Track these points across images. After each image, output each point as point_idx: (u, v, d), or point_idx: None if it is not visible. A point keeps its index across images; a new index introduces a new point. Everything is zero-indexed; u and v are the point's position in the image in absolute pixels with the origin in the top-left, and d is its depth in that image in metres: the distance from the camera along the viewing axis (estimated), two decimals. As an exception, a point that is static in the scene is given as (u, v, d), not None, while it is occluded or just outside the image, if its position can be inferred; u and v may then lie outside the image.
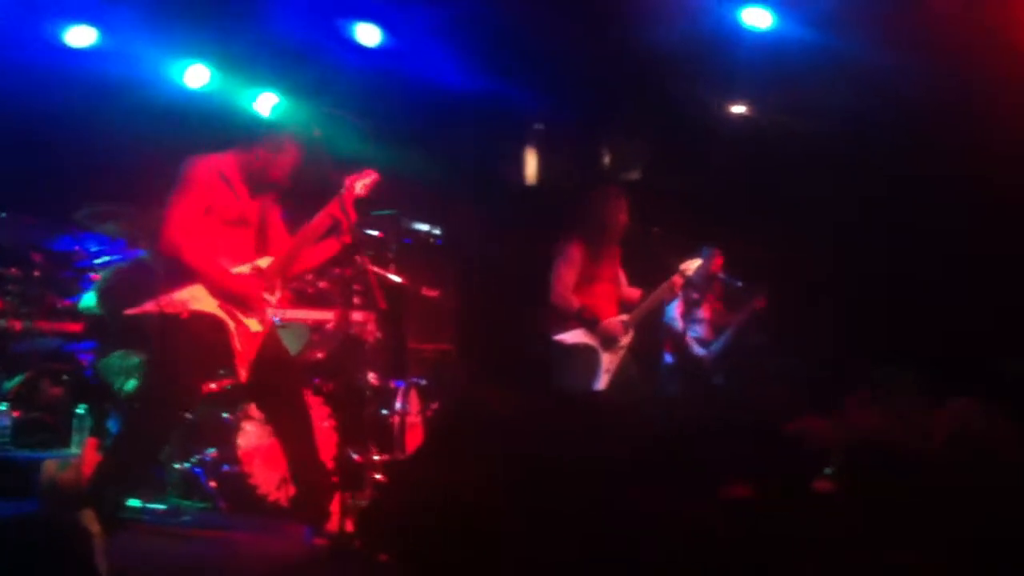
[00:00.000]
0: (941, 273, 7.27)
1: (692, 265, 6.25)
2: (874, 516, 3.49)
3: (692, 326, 7.53)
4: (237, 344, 4.69)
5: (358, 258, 5.17)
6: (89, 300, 6.00)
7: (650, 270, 6.45)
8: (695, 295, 7.46)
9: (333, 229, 4.85)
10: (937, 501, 3.37)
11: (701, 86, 7.60)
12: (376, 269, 5.61)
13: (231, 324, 4.67)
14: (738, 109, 8.30)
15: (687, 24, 6.94)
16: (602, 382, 6.06)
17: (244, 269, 4.76)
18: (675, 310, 7.44)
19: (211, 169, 4.72)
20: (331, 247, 4.96)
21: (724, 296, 7.60)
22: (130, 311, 4.77)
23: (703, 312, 7.56)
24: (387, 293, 5.58)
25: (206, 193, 4.67)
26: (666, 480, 3.84)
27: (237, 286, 4.68)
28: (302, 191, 5.02)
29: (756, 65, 7.25)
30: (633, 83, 7.68)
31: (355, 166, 4.97)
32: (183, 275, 4.63)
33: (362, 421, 5.83)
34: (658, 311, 6.77)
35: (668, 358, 7.50)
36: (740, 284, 7.38)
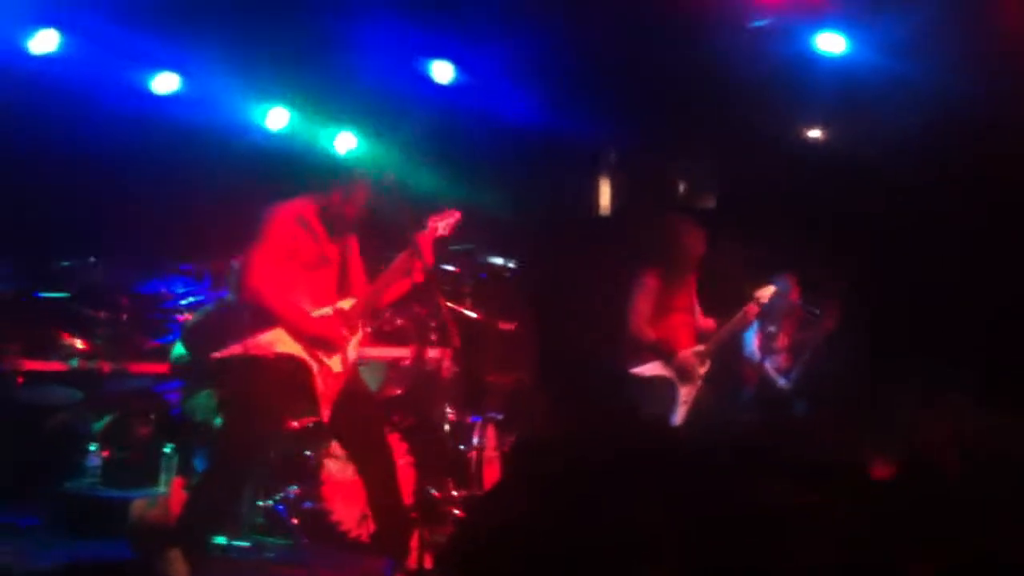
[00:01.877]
0: (1012, 301, 7.10)
1: (766, 293, 6.21)
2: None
3: (771, 356, 7.45)
4: (320, 384, 4.78)
5: (434, 295, 5.24)
6: (179, 350, 6.16)
7: (726, 299, 6.41)
8: (771, 326, 7.37)
9: (410, 271, 4.93)
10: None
11: (775, 112, 7.53)
12: (451, 305, 5.66)
13: (314, 365, 4.76)
14: (812, 135, 8.23)
15: (760, 50, 6.90)
16: (679, 415, 6.03)
17: (327, 311, 4.85)
18: (754, 342, 7.36)
19: (290, 215, 4.83)
20: (405, 286, 5.03)
21: (802, 325, 7.50)
22: (217, 354, 4.90)
23: (780, 342, 7.47)
24: (463, 328, 5.62)
25: (286, 240, 4.78)
26: (742, 517, 3.80)
27: (319, 329, 4.77)
28: (380, 231, 5.11)
29: (830, 91, 7.18)
30: (706, 110, 7.65)
31: (430, 203, 5.04)
32: (267, 318, 4.74)
33: (440, 456, 5.87)
34: (734, 341, 6.72)
35: (747, 390, 7.41)
36: (818, 312, 7.29)
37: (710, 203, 8.80)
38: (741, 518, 3.84)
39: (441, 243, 5.05)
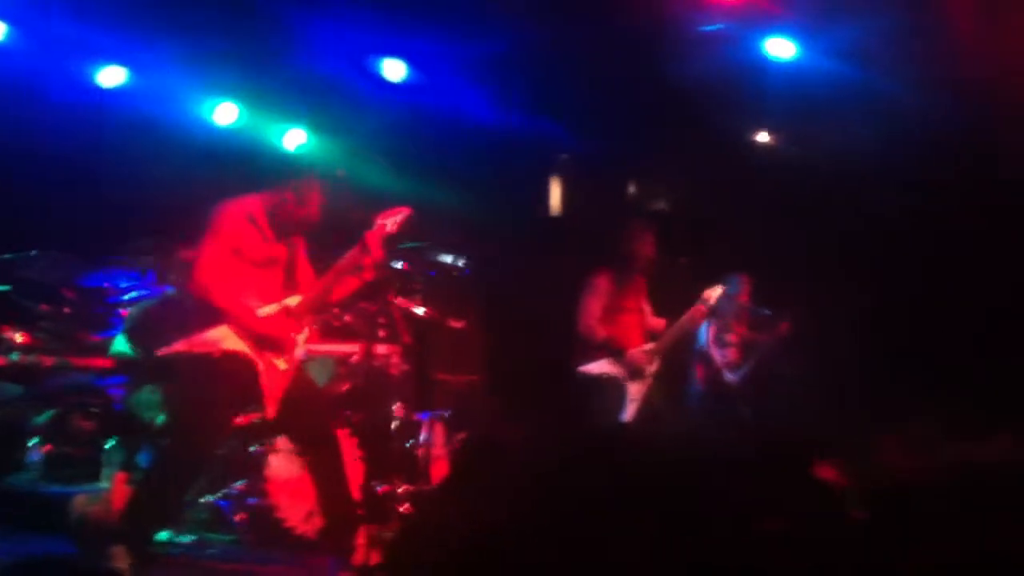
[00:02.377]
0: (962, 305, 7.22)
1: (714, 293, 6.27)
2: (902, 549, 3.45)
3: (721, 351, 7.51)
4: (266, 382, 4.76)
5: (383, 292, 5.22)
6: (120, 344, 6.08)
7: (677, 300, 6.46)
8: (723, 323, 7.44)
9: (357, 269, 4.90)
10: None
11: (726, 117, 7.60)
12: (401, 302, 5.64)
13: (260, 363, 4.74)
14: (763, 139, 8.31)
15: (712, 55, 6.96)
16: (629, 412, 6.06)
17: (272, 309, 4.82)
18: (707, 335, 7.43)
19: (239, 213, 4.80)
20: (353, 283, 5.01)
21: (751, 324, 7.57)
22: (161, 351, 4.85)
23: (731, 337, 7.53)
24: (412, 325, 5.62)
25: (234, 237, 4.75)
26: (692, 511, 3.82)
27: (265, 327, 4.75)
28: (329, 228, 5.08)
29: (780, 96, 7.25)
30: (659, 114, 7.70)
31: (381, 200, 5.02)
32: (213, 315, 4.70)
33: (388, 453, 5.85)
34: (685, 339, 6.77)
35: (696, 386, 7.47)
36: (767, 312, 7.36)
37: (662, 205, 8.86)
38: (690, 513, 3.86)
39: (391, 240, 5.02)
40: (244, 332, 4.71)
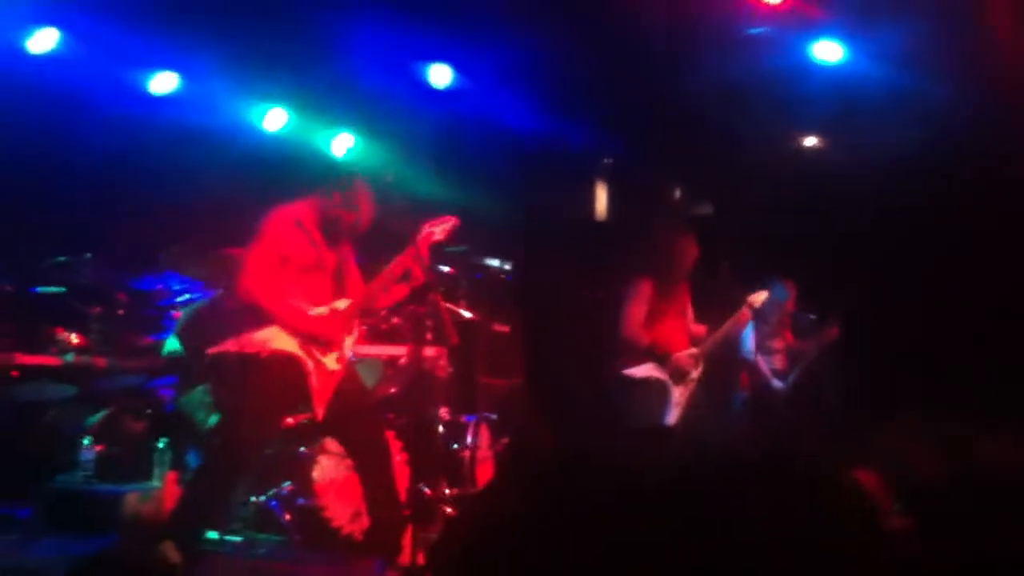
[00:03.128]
0: (1009, 311, 7.13)
1: (759, 297, 6.25)
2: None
3: (767, 357, 7.48)
4: (315, 382, 4.81)
5: (430, 295, 5.27)
6: (172, 344, 6.18)
7: (720, 304, 6.44)
8: (768, 329, 7.41)
9: (405, 276, 4.96)
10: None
11: (771, 119, 7.58)
12: (447, 305, 5.68)
13: (309, 363, 4.79)
14: (808, 143, 8.27)
15: (757, 58, 6.94)
16: (672, 416, 6.05)
17: (322, 311, 4.88)
18: (751, 342, 7.39)
19: (288, 219, 4.86)
20: (402, 290, 5.07)
21: (796, 329, 7.53)
22: (211, 350, 4.91)
23: (777, 343, 7.50)
24: (458, 329, 5.65)
25: (282, 242, 4.81)
26: (733, 516, 3.82)
27: (314, 327, 4.80)
28: (377, 234, 5.14)
29: (826, 99, 7.22)
30: (703, 117, 7.69)
31: (428, 205, 5.07)
32: (262, 316, 4.76)
33: (433, 455, 5.89)
34: (729, 344, 6.75)
35: (741, 393, 7.44)
36: (812, 317, 7.32)
37: (706, 210, 8.83)
38: (736, 521, 3.86)
39: (437, 247, 5.08)
40: (294, 332, 4.76)
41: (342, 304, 4.93)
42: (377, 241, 5.19)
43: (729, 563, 3.53)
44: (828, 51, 6.93)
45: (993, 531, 3.33)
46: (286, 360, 4.75)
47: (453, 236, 5.13)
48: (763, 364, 7.37)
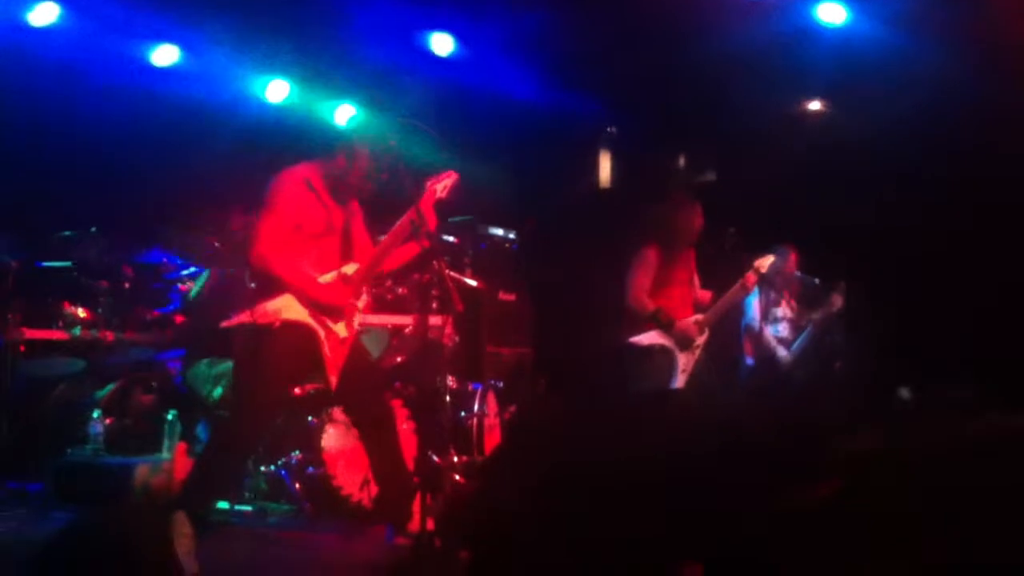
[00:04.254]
0: (1005, 283, 7.11)
1: (765, 262, 6.24)
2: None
3: (772, 325, 7.47)
4: (327, 351, 4.80)
5: (435, 263, 5.26)
6: (181, 312, 6.21)
7: (726, 271, 6.44)
8: (772, 294, 7.40)
9: (414, 233, 4.94)
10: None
11: (775, 84, 7.54)
12: (452, 273, 5.69)
13: (321, 332, 4.78)
14: (813, 107, 8.23)
15: (759, 21, 6.91)
16: (679, 382, 6.07)
17: (330, 277, 4.87)
18: (755, 310, 7.39)
19: (297, 181, 4.84)
20: (411, 250, 5.05)
21: (801, 295, 7.52)
22: (224, 323, 4.92)
23: (782, 311, 7.49)
24: (463, 297, 5.66)
25: (293, 206, 4.78)
26: (741, 478, 3.84)
27: (326, 295, 4.79)
28: (382, 199, 5.13)
29: (830, 63, 7.18)
30: (706, 83, 7.66)
31: (432, 173, 5.06)
32: (273, 286, 4.76)
33: (441, 423, 5.91)
34: (734, 311, 6.76)
35: (748, 360, 7.44)
36: (817, 282, 7.31)
37: (711, 177, 8.82)
38: (742, 490, 3.88)
39: (441, 207, 5.06)
40: (305, 300, 4.76)
41: (350, 269, 4.92)
42: (383, 208, 5.18)
43: (733, 528, 3.56)
44: (832, 13, 6.90)
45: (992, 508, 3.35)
46: (300, 329, 4.75)
47: (457, 201, 5.12)
48: (768, 332, 7.37)
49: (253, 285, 4.88)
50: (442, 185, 4.98)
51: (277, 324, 4.72)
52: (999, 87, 6.78)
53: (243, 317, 4.78)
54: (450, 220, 6.40)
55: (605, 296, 6.56)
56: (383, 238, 4.95)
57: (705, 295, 6.43)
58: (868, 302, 7.39)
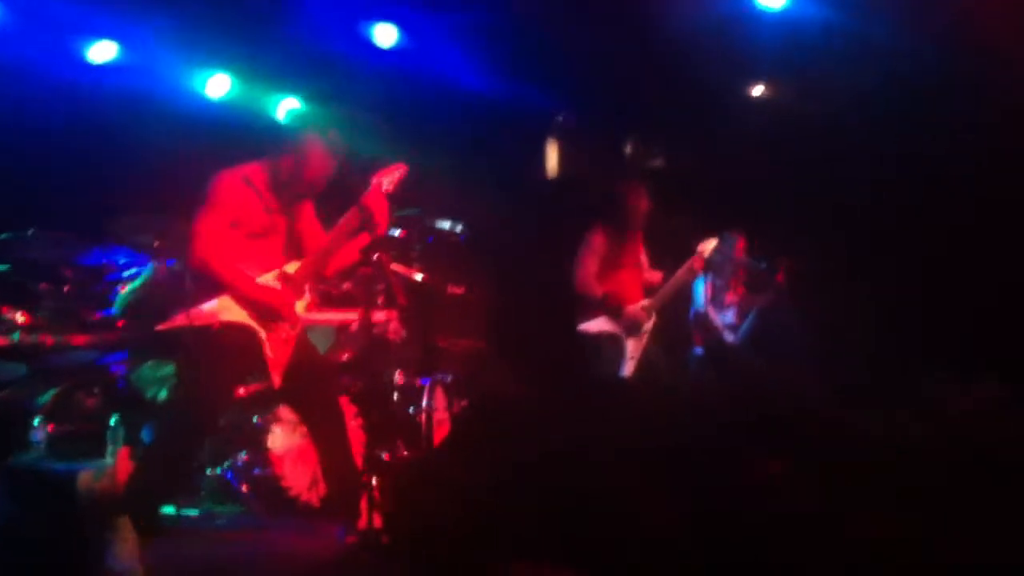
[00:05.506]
0: (951, 257, 7.18)
1: (709, 245, 6.26)
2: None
3: (721, 312, 7.50)
4: (269, 351, 4.75)
5: (377, 257, 5.19)
6: (120, 313, 6.11)
7: (674, 255, 6.45)
8: (720, 280, 7.42)
9: (364, 226, 4.86)
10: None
11: (718, 69, 7.55)
12: (396, 267, 5.64)
13: (262, 332, 4.73)
14: (756, 90, 8.25)
15: (701, 6, 6.91)
16: (627, 369, 6.07)
17: (269, 277, 4.81)
18: (703, 297, 7.41)
19: (237, 181, 4.76)
20: (354, 250, 4.99)
21: (749, 280, 7.55)
22: (161, 326, 4.85)
23: (730, 297, 7.52)
24: (411, 291, 5.61)
25: (232, 206, 4.72)
26: (692, 465, 3.83)
27: (265, 295, 4.73)
28: (328, 195, 5.06)
29: (771, 46, 7.20)
30: (650, 70, 7.66)
31: (379, 166, 4.99)
32: (212, 287, 4.69)
33: (390, 419, 5.88)
34: (682, 296, 6.77)
35: (696, 348, 7.45)
36: (764, 266, 7.34)
37: (658, 162, 8.82)
38: (691, 470, 3.88)
39: (389, 200, 4.99)
40: (244, 301, 4.69)
41: (292, 268, 4.86)
42: (328, 204, 5.11)
43: (690, 506, 3.55)
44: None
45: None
46: (239, 330, 4.69)
47: (404, 194, 5.05)
48: (715, 317, 7.39)
49: (190, 286, 4.80)
50: (388, 179, 4.91)
51: (216, 325, 4.66)
52: (944, 65, 6.83)
53: (180, 319, 4.71)
54: (397, 213, 6.33)
55: (555, 284, 6.55)
56: (326, 237, 4.88)
57: (656, 276, 6.43)
58: (818, 280, 7.44)
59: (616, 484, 3.81)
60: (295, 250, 4.94)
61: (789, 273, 7.26)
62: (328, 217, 5.06)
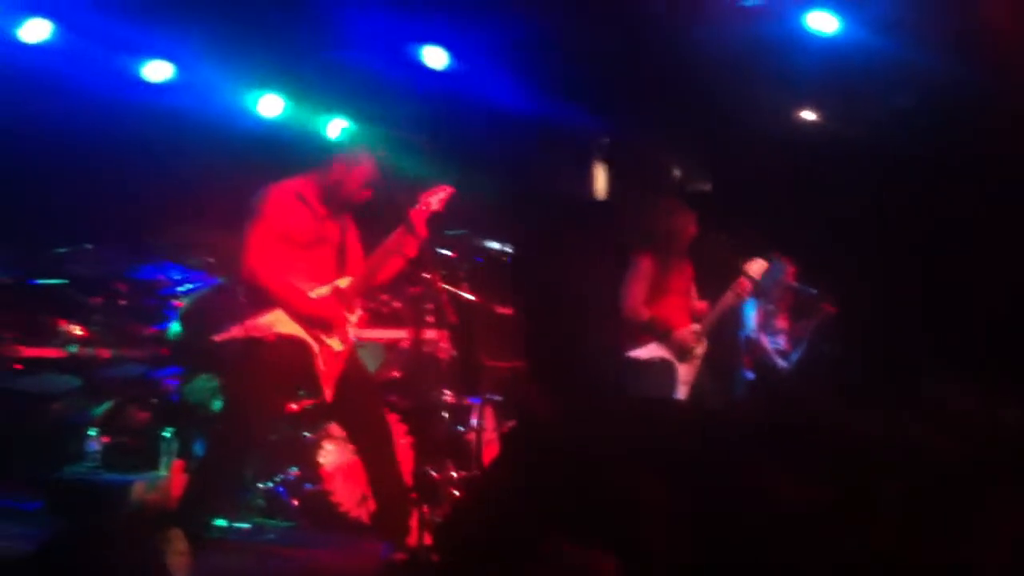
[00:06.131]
0: (1002, 281, 7.12)
1: (757, 267, 6.23)
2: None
3: (772, 338, 7.44)
4: (321, 365, 4.81)
5: (427, 276, 5.26)
6: (176, 328, 6.19)
7: (723, 282, 6.43)
8: (769, 305, 7.38)
9: (405, 245, 4.93)
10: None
11: (767, 93, 7.55)
12: (446, 287, 5.68)
13: (315, 345, 4.79)
14: (805, 116, 8.23)
15: (751, 31, 6.91)
16: (680, 394, 6.05)
17: (324, 291, 4.87)
18: (753, 321, 7.37)
19: (287, 193, 4.85)
20: (399, 263, 5.05)
21: (799, 305, 7.50)
22: (217, 337, 4.92)
23: (780, 323, 7.47)
24: (460, 310, 5.64)
25: (282, 219, 4.80)
26: (737, 482, 3.82)
27: (317, 309, 4.79)
28: (376, 212, 5.12)
29: (822, 71, 7.18)
30: (698, 92, 7.66)
31: (426, 186, 5.05)
32: (265, 300, 4.75)
33: (438, 438, 5.90)
34: (731, 320, 6.75)
35: (746, 373, 7.40)
36: (815, 292, 7.29)
37: (705, 186, 8.81)
38: (743, 502, 3.86)
39: (435, 220, 5.05)
40: (297, 315, 4.76)
41: (344, 282, 4.92)
42: (377, 221, 5.17)
43: (741, 545, 3.54)
44: (822, 22, 6.89)
45: (1000, 505, 3.34)
46: (292, 343, 4.75)
47: (452, 214, 5.11)
48: (766, 343, 7.34)
49: (244, 299, 4.87)
50: (436, 198, 4.97)
51: (271, 338, 4.72)
52: (992, 87, 6.79)
53: (235, 331, 4.78)
54: (446, 233, 6.38)
55: (601, 307, 6.55)
56: (374, 253, 4.94)
57: (703, 306, 6.42)
58: (868, 306, 7.39)
59: (667, 506, 3.80)
60: (343, 263, 5.00)
61: (837, 302, 7.21)
62: (371, 235, 5.13)
